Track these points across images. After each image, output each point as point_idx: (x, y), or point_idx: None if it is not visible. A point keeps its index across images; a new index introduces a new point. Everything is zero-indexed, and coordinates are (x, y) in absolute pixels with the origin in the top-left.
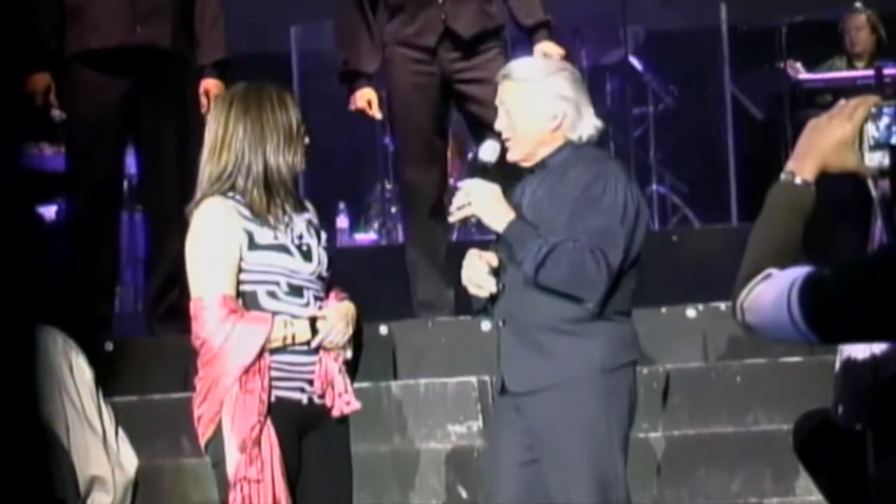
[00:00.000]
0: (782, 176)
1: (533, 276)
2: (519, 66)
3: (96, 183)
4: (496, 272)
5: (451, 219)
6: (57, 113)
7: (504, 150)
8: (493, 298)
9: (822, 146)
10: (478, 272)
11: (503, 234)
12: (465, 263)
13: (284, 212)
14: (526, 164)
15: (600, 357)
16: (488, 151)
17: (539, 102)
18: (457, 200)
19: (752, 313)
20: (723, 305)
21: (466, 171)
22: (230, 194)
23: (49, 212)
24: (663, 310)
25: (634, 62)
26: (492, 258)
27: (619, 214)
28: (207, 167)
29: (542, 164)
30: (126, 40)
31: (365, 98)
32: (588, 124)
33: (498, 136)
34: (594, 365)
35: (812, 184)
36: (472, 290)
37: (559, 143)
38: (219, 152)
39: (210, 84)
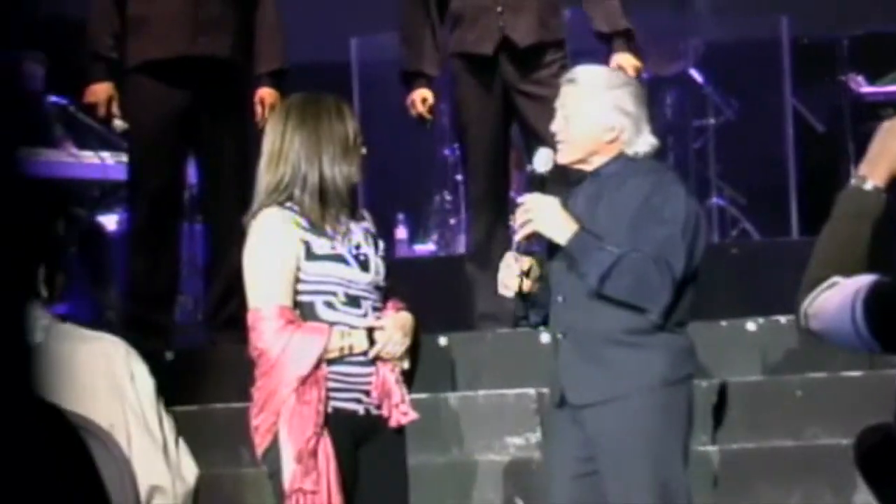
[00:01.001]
0: (852, 181)
1: (597, 287)
2: (585, 73)
3: (157, 193)
4: (540, 278)
5: (517, 237)
6: (119, 123)
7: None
8: (531, 304)
9: None
10: (508, 273)
11: (566, 247)
12: (500, 265)
13: (340, 222)
14: (579, 167)
15: (661, 369)
16: (542, 161)
17: (599, 112)
18: (519, 218)
19: (816, 320)
20: (783, 319)
21: (525, 183)
22: (287, 205)
23: (110, 221)
24: (723, 323)
25: (695, 74)
26: (525, 263)
27: (681, 225)
28: (265, 177)
29: (595, 174)
30: (187, 50)
31: (420, 95)
32: (644, 142)
33: (551, 144)
34: (655, 377)
35: (883, 190)
36: (501, 289)
37: (613, 155)
38: (276, 163)
39: (265, 93)
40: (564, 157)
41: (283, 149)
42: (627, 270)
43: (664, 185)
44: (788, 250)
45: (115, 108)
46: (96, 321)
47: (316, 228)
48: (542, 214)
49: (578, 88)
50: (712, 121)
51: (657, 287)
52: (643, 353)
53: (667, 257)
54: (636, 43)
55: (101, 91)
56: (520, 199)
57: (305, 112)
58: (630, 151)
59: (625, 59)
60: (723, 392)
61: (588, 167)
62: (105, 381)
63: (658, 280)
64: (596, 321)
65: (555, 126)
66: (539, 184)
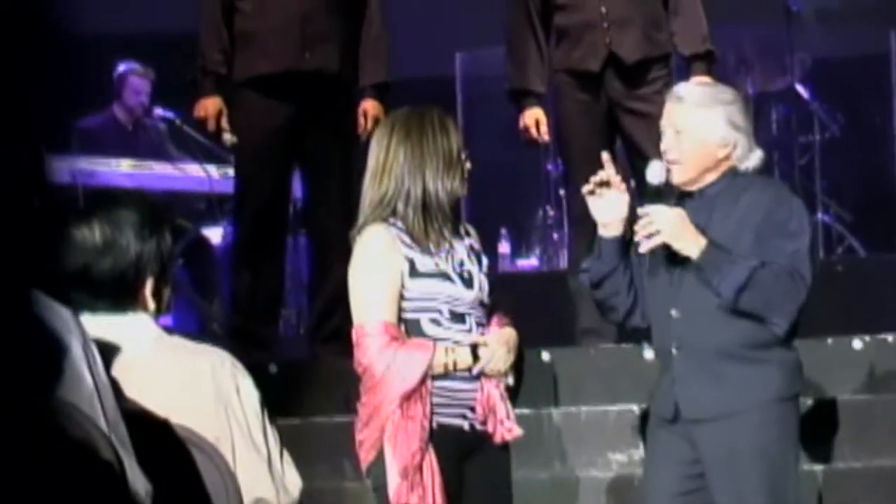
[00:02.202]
0: None
1: (733, 300)
2: (693, 90)
3: (263, 206)
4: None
5: (643, 248)
6: (228, 137)
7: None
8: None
9: None
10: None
11: (697, 260)
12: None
13: (444, 237)
14: (689, 189)
15: (778, 385)
16: (655, 174)
17: (713, 128)
18: (643, 229)
19: None
20: (890, 337)
21: (637, 196)
22: (391, 220)
23: (215, 234)
24: (829, 341)
25: (801, 90)
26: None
27: (808, 239)
28: (369, 192)
29: (700, 193)
30: (295, 65)
31: (533, 117)
32: (756, 155)
33: (659, 158)
34: (770, 393)
35: None
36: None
37: (723, 171)
38: (380, 177)
39: (368, 105)
40: (680, 177)
41: (387, 163)
42: (764, 283)
43: (786, 199)
44: (895, 267)
45: (224, 123)
46: (201, 333)
47: (419, 245)
48: (670, 225)
49: (687, 106)
50: (818, 136)
51: (792, 300)
52: (761, 368)
53: (800, 270)
54: (720, 62)
55: (210, 105)
56: (641, 211)
57: (409, 126)
58: (742, 166)
59: (701, 81)
60: (829, 410)
61: (696, 185)
62: (211, 394)
63: (794, 293)
64: (714, 336)
65: (665, 145)
66: (655, 195)
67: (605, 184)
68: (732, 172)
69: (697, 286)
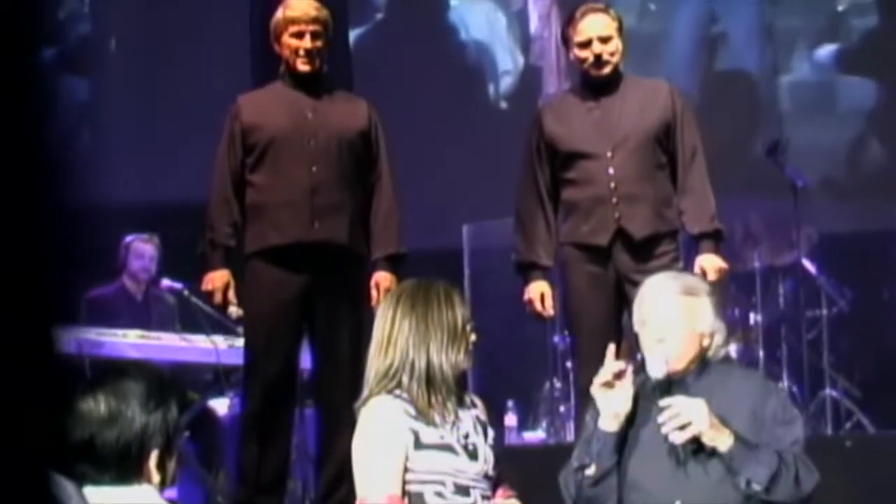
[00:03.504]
0: None
1: (765, 487)
2: (687, 281)
3: (272, 379)
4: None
5: (678, 440)
6: (234, 310)
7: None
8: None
9: None
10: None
11: (727, 451)
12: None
13: (448, 410)
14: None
15: None
16: (659, 366)
17: (706, 318)
18: (674, 421)
19: None
20: None
21: (642, 388)
22: (397, 392)
23: (221, 406)
24: None
25: (808, 265)
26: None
27: (801, 426)
28: (374, 364)
29: (679, 383)
30: (305, 236)
31: (538, 290)
32: (723, 347)
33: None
34: None
35: None
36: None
37: (698, 360)
38: (385, 349)
39: (381, 277)
40: (678, 366)
41: (391, 335)
42: (790, 473)
43: (772, 388)
44: None
45: (231, 296)
46: None
47: (425, 417)
48: (701, 417)
49: (701, 299)
50: (825, 311)
51: (809, 487)
52: None
53: (806, 458)
54: (729, 237)
55: (218, 279)
56: (665, 402)
57: (414, 298)
58: (718, 355)
59: (709, 262)
60: None
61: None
62: None
63: (811, 480)
64: None
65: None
66: (666, 389)
67: (618, 375)
68: (703, 362)
69: (704, 476)
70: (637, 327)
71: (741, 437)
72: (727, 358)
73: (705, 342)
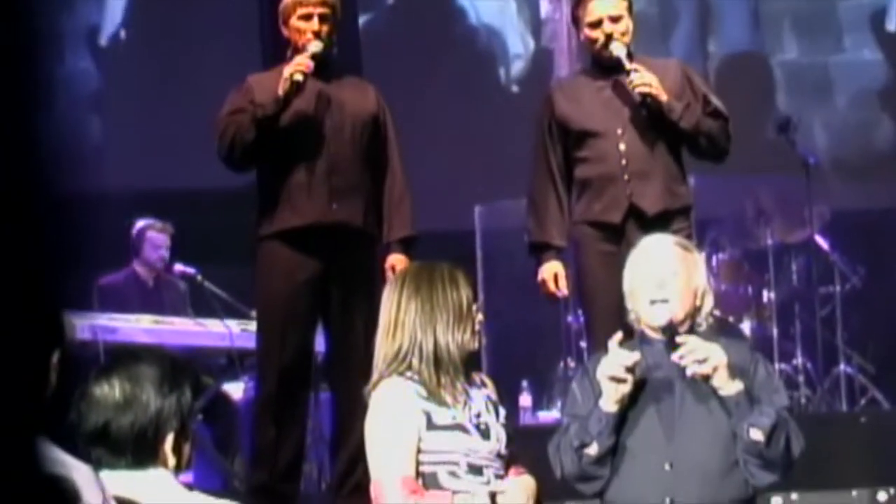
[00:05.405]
0: None
1: (764, 441)
2: (680, 239)
3: (287, 362)
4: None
5: (696, 371)
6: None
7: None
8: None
9: None
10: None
11: (734, 395)
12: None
13: (458, 390)
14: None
15: None
16: (662, 314)
17: (701, 274)
18: (692, 355)
19: None
20: None
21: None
22: (408, 374)
23: (236, 390)
24: (853, 493)
25: (821, 241)
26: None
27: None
28: (383, 347)
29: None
30: (321, 218)
31: (552, 271)
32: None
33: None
34: None
35: None
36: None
37: (690, 323)
38: (392, 332)
39: (395, 259)
40: (679, 314)
41: (398, 318)
42: (785, 428)
43: (758, 356)
44: None
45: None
46: (223, 490)
47: (436, 398)
48: (718, 355)
49: (695, 255)
50: (839, 288)
51: (796, 451)
52: None
53: (794, 424)
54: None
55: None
56: (683, 339)
57: (419, 280)
58: (704, 324)
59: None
60: None
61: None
62: None
63: (797, 445)
64: (710, 490)
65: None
66: (671, 333)
67: (630, 369)
68: (691, 329)
69: (693, 440)
70: (632, 283)
71: (747, 387)
72: (711, 327)
73: (698, 301)
